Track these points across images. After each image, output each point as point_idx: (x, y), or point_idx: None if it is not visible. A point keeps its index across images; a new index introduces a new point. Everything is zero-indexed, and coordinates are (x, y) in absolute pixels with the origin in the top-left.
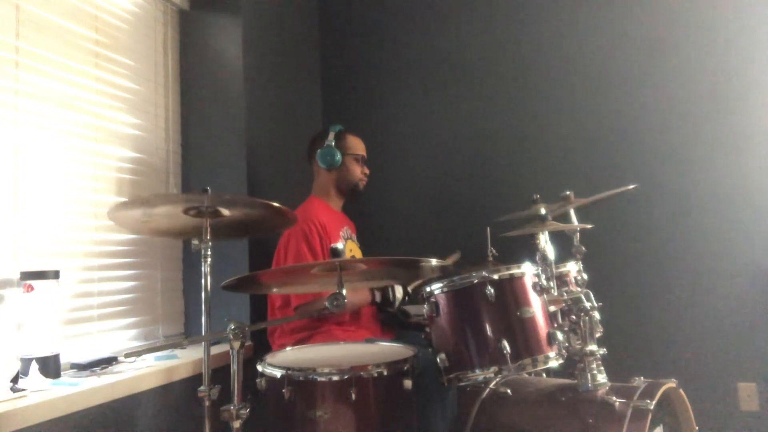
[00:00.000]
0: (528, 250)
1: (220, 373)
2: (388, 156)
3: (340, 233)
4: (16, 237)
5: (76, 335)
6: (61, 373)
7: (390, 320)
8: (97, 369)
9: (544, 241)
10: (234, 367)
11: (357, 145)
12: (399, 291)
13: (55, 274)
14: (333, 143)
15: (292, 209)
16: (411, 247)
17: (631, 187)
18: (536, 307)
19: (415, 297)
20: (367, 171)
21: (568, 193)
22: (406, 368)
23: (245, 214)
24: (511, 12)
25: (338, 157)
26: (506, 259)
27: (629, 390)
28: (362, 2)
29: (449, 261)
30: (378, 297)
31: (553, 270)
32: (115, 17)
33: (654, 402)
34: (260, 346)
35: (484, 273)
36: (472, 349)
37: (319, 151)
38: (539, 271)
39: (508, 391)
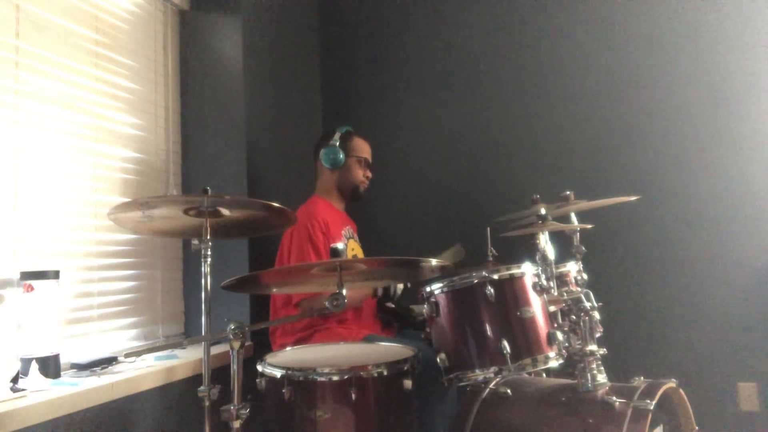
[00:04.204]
0: (528, 250)
1: (220, 373)
2: (389, 156)
3: (343, 232)
4: (16, 237)
5: (76, 335)
6: (61, 373)
7: (391, 317)
8: (97, 369)
9: (544, 241)
10: (234, 367)
11: (362, 148)
12: (399, 284)
13: (55, 274)
14: (338, 143)
15: (292, 209)
16: (411, 247)
17: (633, 198)
18: (536, 307)
19: (409, 311)
20: (369, 174)
21: (568, 193)
22: (406, 368)
23: (245, 214)
24: (512, 12)
25: (341, 156)
26: (506, 259)
27: (629, 390)
28: (362, 2)
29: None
30: (380, 291)
31: (553, 270)
32: (115, 17)
33: (654, 402)
34: (260, 346)
35: (484, 273)
36: (472, 349)
37: (323, 149)
38: (539, 271)
39: (508, 391)
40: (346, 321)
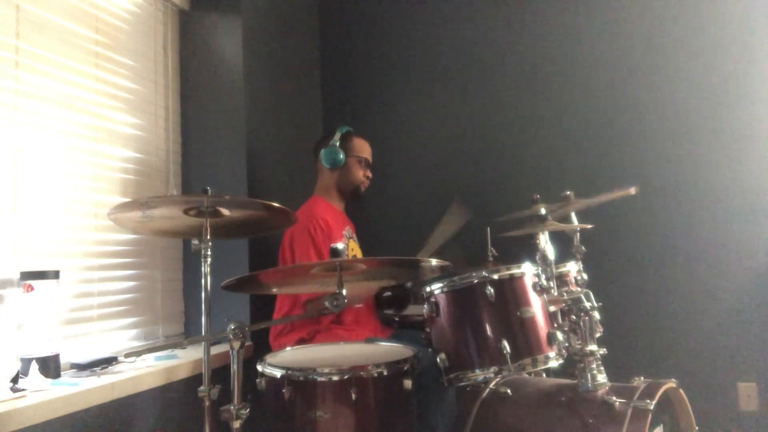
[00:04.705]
0: (528, 250)
1: (220, 373)
2: (388, 156)
3: (343, 233)
4: (16, 237)
5: (76, 335)
6: (61, 373)
7: (389, 319)
8: (97, 369)
9: (544, 241)
10: (234, 367)
11: (362, 148)
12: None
13: (55, 274)
14: (337, 143)
15: (292, 209)
16: (411, 247)
17: (633, 191)
18: (536, 307)
19: (408, 293)
20: (369, 174)
21: (568, 193)
22: (406, 368)
23: (245, 214)
24: (511, 12)
25: (341, 157)
26: (506, 259)
27: (629, 390)
28: (362, 2)
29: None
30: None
31: (553, 270)
32: (115, 17)
33: (654, 402)
34: (260, 346)
35: (484, 273)
36: (472, 349)
37: (323, 149)
38: (539, 271)
39: (508, 391)
40: (345, 323)
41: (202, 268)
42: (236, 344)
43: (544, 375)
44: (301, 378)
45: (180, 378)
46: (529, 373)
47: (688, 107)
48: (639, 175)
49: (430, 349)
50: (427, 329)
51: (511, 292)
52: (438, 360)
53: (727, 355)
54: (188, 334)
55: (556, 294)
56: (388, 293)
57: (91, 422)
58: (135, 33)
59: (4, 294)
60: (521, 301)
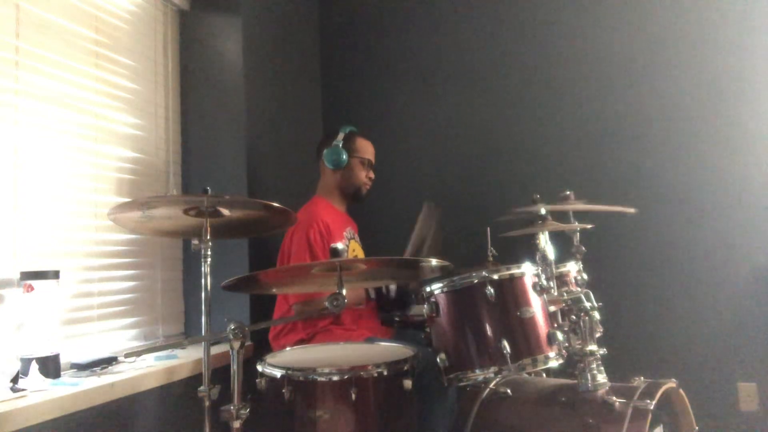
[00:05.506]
0: (528, 250)
1: (220, 373)
2: (388, 156)
3: (344, 233)
4: (16, 237)
5: (76, 335)
6: (61, 373)
7: (389, 319)
8: (97, 369)
9: (544, 241)
10: (234, 367)
11: (365, 149)
12: (393, 286)
13: (55, 274)
14: (341, 143)
15: (292, 209)
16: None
17: (632, 210)
18: (536, 307)
19: (411, 293)
20: (372, 176)
21: (568, 193)
22: (406, 368)
23: (245, 214)
24: (512, 12)
25: (344, 157)
26: (506, 259)
27: (629, 390)
28: (362, 2)
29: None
30: (372, 293)
31: (553, 270)
32: (115, 17)
33: (654, 402)
34: (260, 346)
35: (484, 273)
36: (472, 349)
37: (326, 150)
38: (539, 271)
39: (508, 391)
40: (344, 323)
41: (202, 268)
42: (236, 344)
43: (544, 375)
44: (301, 378)
45: (180, 378)
46: (529, 373)
47: (689, 107)
48: (639, 175)
49: (430, 349)
50: (427, 329)
51: (511, 292)
52: (438, 360)
53: (727, 355)
54: (188, 334)
55: (556, 294)
56: (391, 295)
57: (91, 422)
58: (135, 33)
59: (4, 294)
60: (521, 301)
